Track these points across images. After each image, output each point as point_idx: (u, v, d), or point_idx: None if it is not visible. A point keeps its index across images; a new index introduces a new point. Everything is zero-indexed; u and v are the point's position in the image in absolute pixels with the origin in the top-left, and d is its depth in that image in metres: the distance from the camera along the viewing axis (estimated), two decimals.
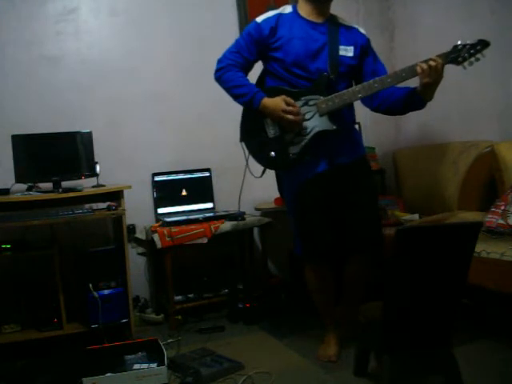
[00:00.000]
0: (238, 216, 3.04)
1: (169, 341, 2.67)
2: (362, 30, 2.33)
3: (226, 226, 2.98)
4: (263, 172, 2.40)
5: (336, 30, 2.24)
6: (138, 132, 3.20)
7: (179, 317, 2.95)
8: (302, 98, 2.20)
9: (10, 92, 2.90)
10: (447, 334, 1.91)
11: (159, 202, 3.22)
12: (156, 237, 2.85)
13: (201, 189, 3.31)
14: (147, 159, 3.21)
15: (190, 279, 3.09)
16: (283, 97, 2.17)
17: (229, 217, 3.04)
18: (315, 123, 2.20)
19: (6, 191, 2.63)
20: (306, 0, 2.24)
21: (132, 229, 3.11)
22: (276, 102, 2.18)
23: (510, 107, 2.80)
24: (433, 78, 2.02)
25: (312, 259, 2.36)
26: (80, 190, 2.68)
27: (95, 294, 2.65)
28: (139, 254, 3.20)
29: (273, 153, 2.26)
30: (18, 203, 2.56)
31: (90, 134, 2.83)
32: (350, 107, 2.30)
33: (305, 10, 2.25)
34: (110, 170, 2.97)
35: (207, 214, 3.08)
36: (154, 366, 2.21)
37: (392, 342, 1.87)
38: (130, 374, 2.14)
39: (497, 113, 2.89)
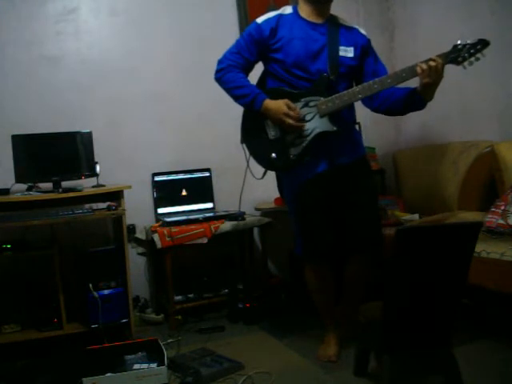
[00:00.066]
0: (238, 216, 3.04)
1: (169, 341, 2.67)
2: (363, 31, 2.33)
3: (226, 226, 2.98)
4: (264, 173, 2.40)
5: (336, 30, 2.24)
6: (138, 132, 3.20)
7: (179, 317, 2.95)
8: (303, 100, 2.20)
9: (9, 92, 2.90)
10: (447, 334, 1.91)
11: (159, 202, 3.22)
12: (156, 237, 2.85)
13: (201, 189, 3.30)
14: (147, 159, 3.21)
15: (189, 279, 3.09)
16: (286, 101, 2.17)
17: (229, 217, 3.04)
18: (316, 124, 2.20)
19: (5, 191, 2.63)
20: (306, 1, 2.23)
21: (132, 229, 3.11)
22: (278, 105, 2.17)
23: (510, 107, 2.80)
24: (433, 78, 2.02)
25: (312, 259, 2.36)
26: (80, 190, 2.68)
27: (95, 293, 2.65)
28: (139, 254, 3.20)
29: (274, 154, 2.26)
30: (18, 203, 2.56)
31: (90, 134, 2.84)
32: (350, 107, 2.29)
33: (305, 11, 2.25)
34: (109, 170, 2.97)
35: (207, 214, 3.08)
36: (154, 366, 2.21)
37: (392, 342, 1.87)
38: (130, 374, 2.14)
39: (497, 113, 2.89)
